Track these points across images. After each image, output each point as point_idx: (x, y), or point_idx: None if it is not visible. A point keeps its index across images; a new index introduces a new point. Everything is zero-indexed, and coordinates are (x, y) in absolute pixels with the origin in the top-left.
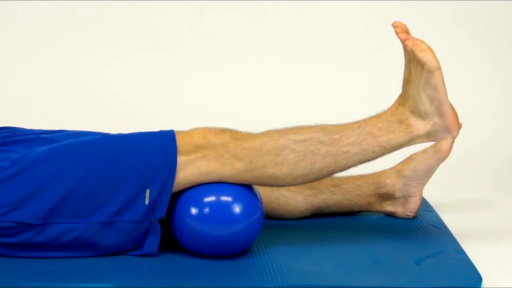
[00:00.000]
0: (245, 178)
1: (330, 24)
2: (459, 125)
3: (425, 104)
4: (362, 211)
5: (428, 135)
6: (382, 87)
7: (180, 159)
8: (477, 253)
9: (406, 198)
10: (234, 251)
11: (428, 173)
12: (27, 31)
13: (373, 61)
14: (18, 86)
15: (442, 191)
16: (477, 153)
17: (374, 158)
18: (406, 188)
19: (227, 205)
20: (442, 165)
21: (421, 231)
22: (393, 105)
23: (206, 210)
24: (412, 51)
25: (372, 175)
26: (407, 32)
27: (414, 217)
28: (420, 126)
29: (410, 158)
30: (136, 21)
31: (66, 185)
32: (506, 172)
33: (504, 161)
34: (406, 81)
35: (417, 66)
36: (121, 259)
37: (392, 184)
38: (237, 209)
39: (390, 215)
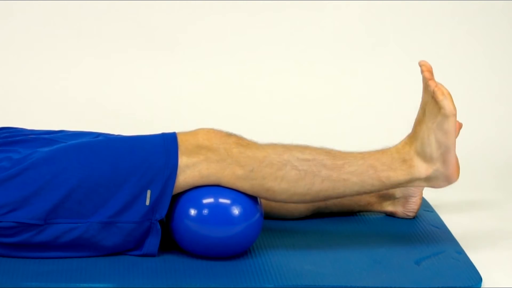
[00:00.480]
0: (243, 186)
1: (330, 24)
2: (459, 125)
3: (432, 147)
4: (362, 211)
5: (428, 180)
6: (382, 87)
7: (182, 160)
8: (477, 253)
9: (406, 198)
10: (233, 252)
11: None
12: (27, 31)
13: (373, 60)
14: (18, 86)
15: (442, 191)
16: (477, 153)
17: (371, 192)
18: (406, 188)
19: (226, 207)
20: None
21: (421, 231)
22: (400, 143)
23: (205, 211)
24: (434, 92)
25: None
26: (431, 73)
27: (414, 217)
28: (422, 168)
29: None
30: (136, 21)
31: (66, 185)
32: (506, 172)
33: (504, 161)
34: (418, 122)
35: (433, 109)
36: (121, 259)
37: None
38: (236, 211)
39: (390, 215)
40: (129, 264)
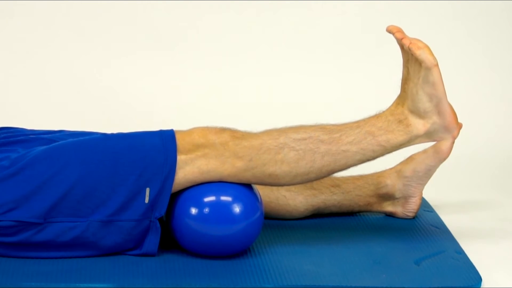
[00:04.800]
0: (245, 177)
1: (330, 23)
2: (459, 125)
3: (424, 102)
4: (362, 211)
5: (428, 135)
6: (382, 86)
7: (180, 157)
8: (477, 253)
9: (406, 198)
10: (233, 251)
11: (428, 173)
12: (26, 31)
13: (373, 59)
14: (18, 86)
15: (442, 192)
16: (477, 153)
17: (374, 158)
18: (406, 189)
19: (227, 205)
20: (442, 165)
21: (421, 231)
22: (392, 105)
23: (206, 210)
24: (409, 49)
25: (372, 175)
26: (402, 32)
27: (414, 217)
28: (419, 125)
29: (410, 158)
30: (136, 21)
31: (65, 183)
32: (506, 172)
33: (504, 161)
34: (405, 81)
35: (415, 65)
36: (121, 259)
37: (392, 184)
38: (237, 209)
39: (390, 215)
40: (129, 264)
